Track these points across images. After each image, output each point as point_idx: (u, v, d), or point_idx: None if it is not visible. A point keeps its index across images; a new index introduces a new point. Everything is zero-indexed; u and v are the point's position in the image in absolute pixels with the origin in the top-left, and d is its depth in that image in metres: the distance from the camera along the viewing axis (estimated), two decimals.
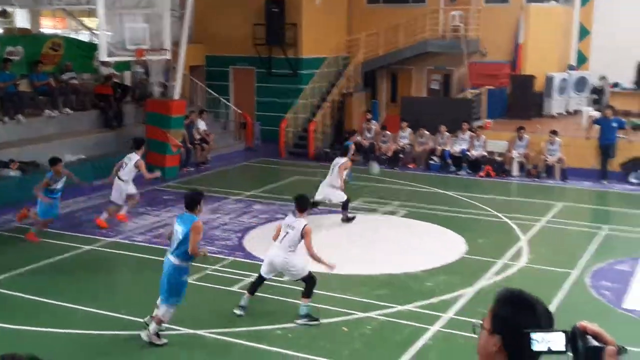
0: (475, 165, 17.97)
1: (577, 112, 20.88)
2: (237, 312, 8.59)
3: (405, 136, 19.33)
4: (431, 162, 18.68)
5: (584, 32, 23.20)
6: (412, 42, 21.68)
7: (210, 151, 19.22)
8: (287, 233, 8.49)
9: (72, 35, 23.59)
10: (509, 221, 13.22)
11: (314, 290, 8.50)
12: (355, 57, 22.35)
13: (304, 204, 8.73)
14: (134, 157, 12.70)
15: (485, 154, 18.00)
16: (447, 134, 18.64)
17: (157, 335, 7.82)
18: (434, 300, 9.27)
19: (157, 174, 13.59)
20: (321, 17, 21.67)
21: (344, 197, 13.14)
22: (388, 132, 19.62)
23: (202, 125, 19.28)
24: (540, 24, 21.34)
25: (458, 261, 11.04)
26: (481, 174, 17.67)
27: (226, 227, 12.65)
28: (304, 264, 8.60)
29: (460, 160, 18.16)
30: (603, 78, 22.29)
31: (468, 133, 18.42)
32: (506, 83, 21.09)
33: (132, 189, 12.80)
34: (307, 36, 21.33)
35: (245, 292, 8.83)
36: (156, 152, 16.73)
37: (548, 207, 14.30)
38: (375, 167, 16.12)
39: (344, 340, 8.13)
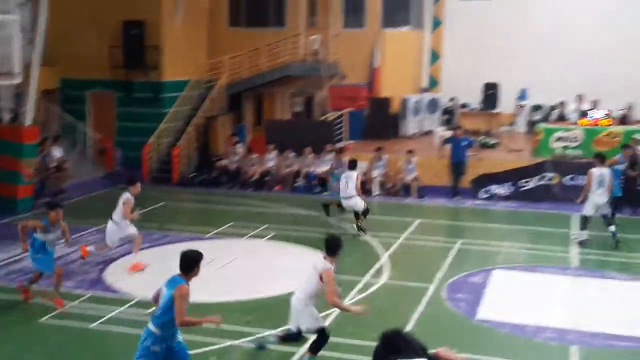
0: None
1: (430, 132, 22.09)
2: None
3: (271, 158, 19.53)
4: (296, 184, 18.99)
5: (434, 57, 24.66)
6: (275, 66, 22.02)
7: (67, 180, 18.35)
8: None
9: None
10: (371, 239, 13.70)
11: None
12: (219, 80, 22.33)
13: (334, 248, 7.92)
14: (124, 196, 11.75)
15: None
16: (311, 155, 19.05)
17: None
18: None
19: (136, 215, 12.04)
20: (182, 39, 21.49)
21: (363, 205, 14.11)
22: (254, 155, 19.73)
23: (57, 152, 18.40)
24: (394, 48, 22.46)
25: None
26: None
27: (86, 260, 12.11)
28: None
29: (325, 181, 18.60)
30: (453, 99, 23.80)
31: (331, 154, 18.92)
32: (364, 105, 21.93)
33: (130, 229, 11.78)
34: (169, 59, 21.06)
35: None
36: (7, 182, 15.76)
37: (406, 224, 14.97)
38: None
39: None
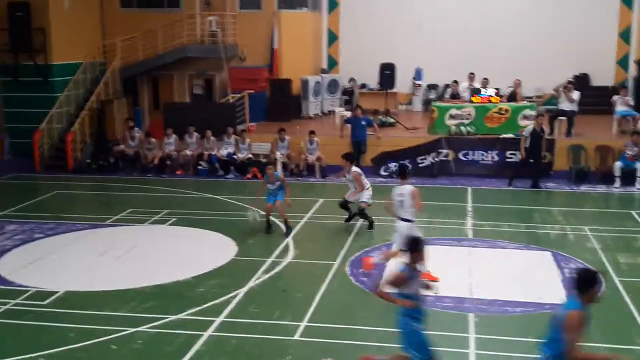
0: (242, 168, 18.37)
1: (331, 113, 22.32)
2: None
3: (171, 142, 19.12)
4: (199, 167, 18.72)
5: (332, 38, 24.86)
6: (171, 48, 21.50)
7: None
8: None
9: None
10: (276, 220, 13.72)
11: None
12: (113, 62, 21.57)
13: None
14: (407, 188, 10.46)
15: (251, 156, 18.49)
16: (213, 138, 18.81)
17: None
18: (206, 305, 9.32)
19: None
20: (71, 21, 20.58)
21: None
22: (153, 140, 19.25)
23: None
24: (292, 29, 22.46)
25: (229, 264, 11.22)
26: (248, 176, 18.11)
27: None
28: None
29: (227, 164, 18.44)
30: (352, 80, 24.12)
31: (233, 137, 18.78)
32: (265, 87, 21.86)
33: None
34: (57, 41, 20.11)
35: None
36: None
37: (311, 203, 15.11)
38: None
39: (114, 358, 7.85)
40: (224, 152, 18.59)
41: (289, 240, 12.40)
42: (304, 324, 8.71)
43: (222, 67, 21.20)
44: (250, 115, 20.73)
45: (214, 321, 8.77)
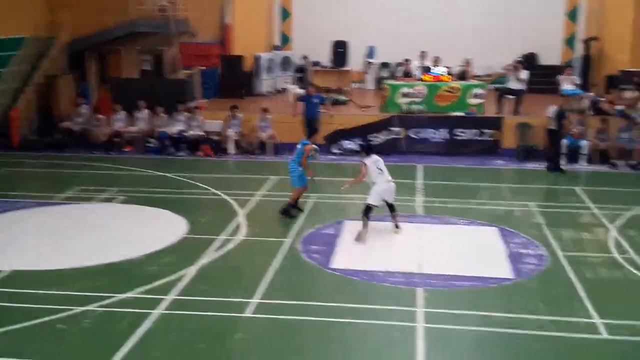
0: (193, 145, 18.18)
1: (284, 90, 22.23)
2: None
3: (120, 119, 18.78)
4: (149, 144, 18.46)
5: (285, 14, 24.69)
6: (120, 22, 20.99)
7: None
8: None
9: None
10: (227, 198, 13.67)
11: None
12: (60, 37, 20.95)
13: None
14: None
15: (203, 134, 18.30)
16: (163, 115, 18.54)
17: None
18: (156, 283, 9.25)
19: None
20: None
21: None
22: (101, 116, 18.87)
23: None
24: (244, 5, 22.22)
25: (180, 242, 11.14)
26: (200, 153, 17.95)
27: None
28: None
29: (178, 142, 18.22)
30: (305, 57, 24.04)
31: (184, 114, 18.55)
32: (217, 63, 21.60)
33: None
34: None
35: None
36: None
37: (263, 181, 15.09)
38: None
39: (61, 337, 7.75)
40: (174, 129, 18.36)
41: (241, 217, 12.37)
42: (255, 300, 8.74)
43: (173, 43, 20.84)
44: (201, 91, 20.47)
45: (164, 299, 8.72)
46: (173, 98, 18.81)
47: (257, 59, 22.15)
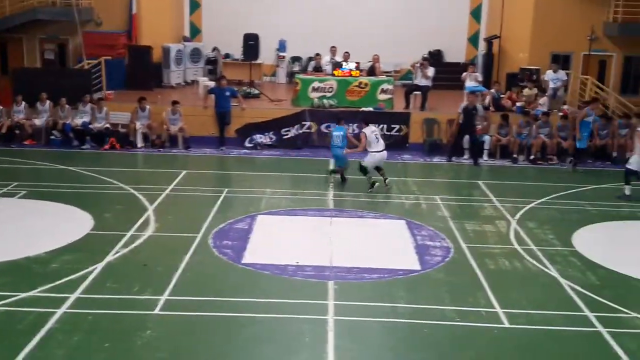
0: (99, 138, 17.62)
1: (194, 82, 21.90)
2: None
3: (20, 110, 17.95)
4: (52, 137, 17.75)
5: (194, 5, 24.31)
6: (20, 9, 20.04)
7: None
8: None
9: None
10: (135, 192, 13.36)
11: None
12: None
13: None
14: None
15: (109, 126, 17.77)
16: (67, 106, 17.87)
17: None
18: (60, 281, 8.94)
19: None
20: None
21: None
22: (0, 107, 17.97)
23: None
24: None
25: (84, 238, 10.80)
26: (106, 146, 17.42)
27: None
28: None
29: (83, 134, 17.61)
30: (215, 49, 23.75)
31: (89, 105, 17.95)
32: (124, 54, 21.01)
33: None
34: None
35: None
36: None
37: (173, 175, 14.83)
38: None
39: None
40: (79, 121, 17.73)
41: (150, 213, 12.12)
42: (164, 297, 8.60)
43: (76, 32, 20.09)
44: (107, 82, 19.85)
45: (68, 298, 8.44)
46: (77, 89, 18.15)
47: (165, 50, 21.70)
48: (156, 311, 8.25)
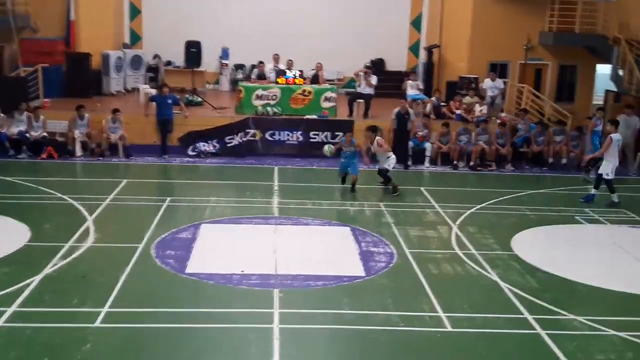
0: (36, 147, 17.12)
1: (135, 90, 21.55)
2: None
3: None
4: None
5: (135, 12, 23.94)
6: None
7: None
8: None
9: None
10: (74, 202, 13.03)
11: None
12: None
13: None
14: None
15: (46, 134, 17.29)
16: (3, 115, 17.30)
17: None
18: None
19: None
20: None
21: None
22: None
23: None
24: (90, 1, 21.30)
25: (21, 250, 10.46)
26: (43, 155, 16.94)
27: None
28: None
29: (19, 143, 17.09)
30: (157, 57, 23.45)
31: (26, 113, 17.44)
32: (61, 61, 20.53)
33: None
34: None
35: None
36: None
37: (113, 185, 14.52)
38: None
39: None
40: (14, 129, 17.19)
41: (90, 223, 11.84)
42: (105, 309, 8.41)
43: (12, 39, 19.50)
44: (44, 90, 19.33)
45: (5, 311, 8.16)
46: (13, 97, 17.60)
47: (105, 57, 21.29)
48: (97, 324, 8.05)
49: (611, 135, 14.51)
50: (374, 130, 15.18)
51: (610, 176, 14.33)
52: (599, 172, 14.57)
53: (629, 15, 21.24)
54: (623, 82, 20.61)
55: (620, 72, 20.76)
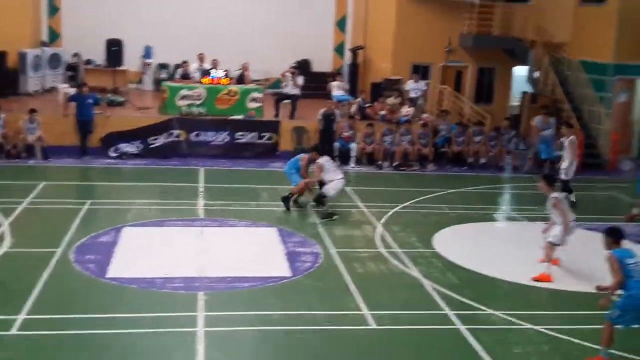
0: None
1: (53, 89, 20.86)
2: None
3: None
4: None
5: (53, 9, 23.18)
6: None
7: None
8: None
9: None
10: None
11: None
12: None
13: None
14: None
15: None
16: None
17: None
18: None
19: None
20: None
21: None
22: None
23: None
24: None
25: None
26: None
27: None
28: None
29: None
30: (76, 55, 22.77)
31: None
32: None
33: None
34: None
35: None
36: None
37: (30, 187, 14.00)
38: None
39: None
40: None
41: (5, 228, 11.38)
42: (22, 316, 8.12)
43: None
44: None
45: None
46: None
47: (22, 56, 20.50)
48: (13, 331, 7.78)
49: (572, 137, 14.84)
50: (317, 149, 14.00)
51: (569, 177, 14.68)
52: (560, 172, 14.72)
53: (545, 19, 22.11)
54: (539, 84, 21.47)
55: (536, 74, 21.60)
